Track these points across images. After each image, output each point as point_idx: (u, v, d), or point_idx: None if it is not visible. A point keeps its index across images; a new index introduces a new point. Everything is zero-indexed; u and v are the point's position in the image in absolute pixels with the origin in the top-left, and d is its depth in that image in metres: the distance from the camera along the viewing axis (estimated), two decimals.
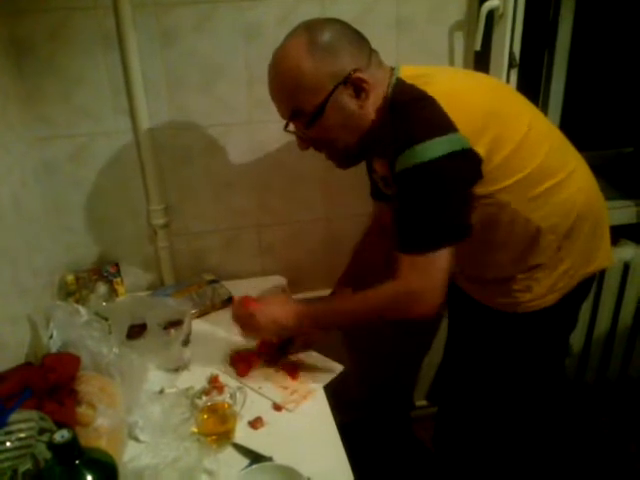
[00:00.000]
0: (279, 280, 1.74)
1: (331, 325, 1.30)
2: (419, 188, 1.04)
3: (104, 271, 1.60)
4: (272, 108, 1.57)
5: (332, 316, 1.26)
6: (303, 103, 1.10)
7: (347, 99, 1.10)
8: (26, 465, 0.82)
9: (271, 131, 1.61)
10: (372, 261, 1.50)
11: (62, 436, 0.74)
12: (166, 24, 1.45)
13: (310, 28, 1.09)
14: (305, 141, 1.19)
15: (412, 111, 1.04)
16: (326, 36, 1.08)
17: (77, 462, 0.76)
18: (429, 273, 1.10)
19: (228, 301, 1.59)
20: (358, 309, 1.21)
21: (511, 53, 1.55)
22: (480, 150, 1.04)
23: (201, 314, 1.54)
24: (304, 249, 1.81)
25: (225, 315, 1.55)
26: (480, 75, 1.31)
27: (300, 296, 1.71)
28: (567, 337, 1.47)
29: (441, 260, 1.09)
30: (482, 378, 1.43)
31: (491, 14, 1.52)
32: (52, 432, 0.80)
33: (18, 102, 1.41)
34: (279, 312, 1.25)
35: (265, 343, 1.38)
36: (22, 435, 0.86)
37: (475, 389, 1.48)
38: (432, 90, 1.04)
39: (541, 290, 1.23)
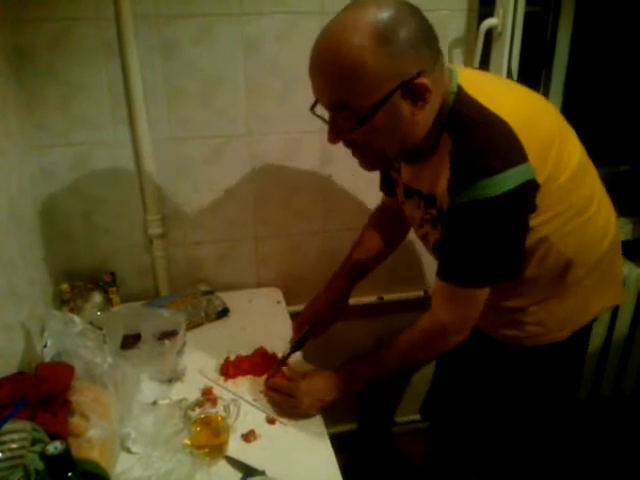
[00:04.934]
0: (275, 292, 1.74)
1: (376, 380, 1.20)
2: (486, 221, 0.96)
3: (99, 280, 1.59)
4: (271, 120, 1.60)
5: (373, 372, 1.18)
6: (354, 100, 0.93)
7: (402, 104, 0.95)
8: (17, 476, 0.81)
9: (269, 143, 1.63)
10: (378, 248, 1.45)
11: (55, 448, 0.74)
12: (167, 35, 1.46)
13: (383, 15, 0.89)
14: (338, 136, 1.02)
15: (488, 136, 0.93)
16: (400, 29, 0.90)
17: (70, 474, 0.75)
18: (469, 305, 1.07)
19: (223, 313, 1.59)
20: (395, 355, 1.15)
21: (509, 71, 1.57)
22: (539, 180, 0.96)
23: (195, 325, 1.53)
24: (301, 261, 1.81)
25: (219, 327, 1.55)
26: (527, 90, 1.12)
27: (294, 309, 1.72)
28: (574, 378, 1.41)
29: (483, 294, 1.05)
30: (477, 406, 1.40)
31: (490, 32, 1.55)
32: (45, 443, 0.80)
33: (17, 109, 1.41)
34: (322, 388, 1.19)
35: (261, 352, 1.38)
36: (14, 446, 0.84)
37: (470, 414, 1.45)
38: (502, 113, 0.94)
39: (553, 324, 1.18)
